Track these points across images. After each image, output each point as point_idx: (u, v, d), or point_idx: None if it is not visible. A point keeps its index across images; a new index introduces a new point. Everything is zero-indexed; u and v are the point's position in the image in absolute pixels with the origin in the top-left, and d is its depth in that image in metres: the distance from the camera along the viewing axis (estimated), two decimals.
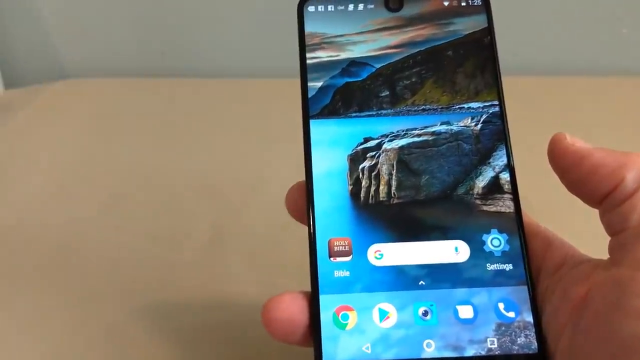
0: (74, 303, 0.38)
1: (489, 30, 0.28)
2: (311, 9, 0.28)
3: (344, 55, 0.28)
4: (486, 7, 0.28)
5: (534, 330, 0.24)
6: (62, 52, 0.65)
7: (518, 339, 0.24)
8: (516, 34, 0.60)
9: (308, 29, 0.28)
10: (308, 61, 0.28)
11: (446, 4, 0.28)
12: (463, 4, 0.28)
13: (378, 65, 0.28)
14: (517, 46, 0.60)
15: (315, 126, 0.27)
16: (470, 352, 0.24)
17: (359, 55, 0.28)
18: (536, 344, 0.24)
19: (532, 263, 0.25)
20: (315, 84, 0.27)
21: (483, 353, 0.24)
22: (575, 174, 0.24)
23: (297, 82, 0.27)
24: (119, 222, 0.45)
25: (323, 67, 0.28)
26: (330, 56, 0.28)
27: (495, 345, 0.24)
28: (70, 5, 0.62)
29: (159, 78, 0.62)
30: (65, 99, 0.60)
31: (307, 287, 0.25)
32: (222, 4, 0.61)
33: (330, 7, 0.28)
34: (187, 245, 0.42)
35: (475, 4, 0.28)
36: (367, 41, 0.28)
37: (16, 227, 0.45)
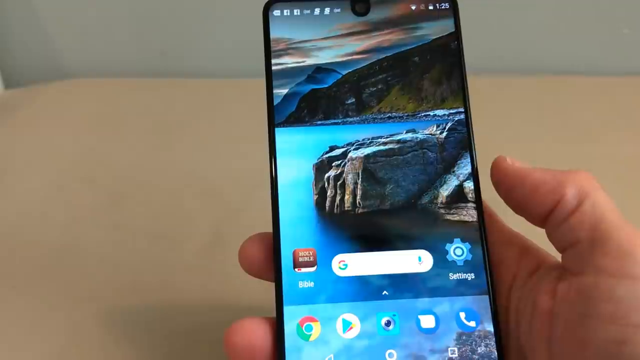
0: (74, 303, 0.38)
1: (456, 34, 0.28)
2: (276, 12, 0.28)
3: (309, 61, 0.27)
4: (454, 11, 0.28)
5: (494, 339, 0.24)
6: (62, 52, 0.65)
7: (478, 348, 0.24)
8: (516, 33, 0.59)
9: (274, 34, 0.28)
10: (273, 67, 0.27)
11: (413, 7, 0.28)
12: (430, 7, 0.28)
13: (344, 72, 0.28)
14: (516, 46, 0.60)
15: (281, 134, 0.27)
16: None
17: (325, 61, 0.27)
18: (496, 353, 0.24)
19: (506, 271, 0.25)
20: (280, 91, 0.27)
21: None
22: (518, 193, 0.24)
23: None
24: (118, 222, 0.44)
25: (289, 73, 0.27)
26: (296, 62, 0.27)
27: (456, 355, 0.24)
28: (70, 5, 0.61)
29: (159, 78, 0.61)
30: (65, 99, 0.59)
31: None
32: (222, 4, 0.60)
33: (296, 11, 0.28)
34: (186, 245, 0.42)
35: (443, 7, 0.28)
36: (333, 46, 0.28)
37: (16, 227, 0.44)
